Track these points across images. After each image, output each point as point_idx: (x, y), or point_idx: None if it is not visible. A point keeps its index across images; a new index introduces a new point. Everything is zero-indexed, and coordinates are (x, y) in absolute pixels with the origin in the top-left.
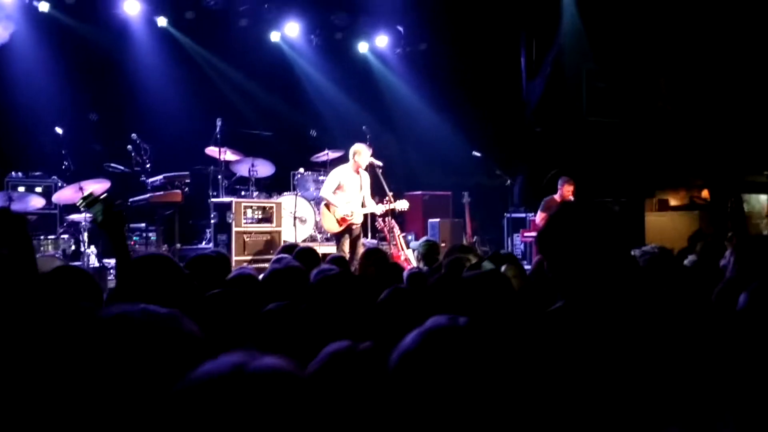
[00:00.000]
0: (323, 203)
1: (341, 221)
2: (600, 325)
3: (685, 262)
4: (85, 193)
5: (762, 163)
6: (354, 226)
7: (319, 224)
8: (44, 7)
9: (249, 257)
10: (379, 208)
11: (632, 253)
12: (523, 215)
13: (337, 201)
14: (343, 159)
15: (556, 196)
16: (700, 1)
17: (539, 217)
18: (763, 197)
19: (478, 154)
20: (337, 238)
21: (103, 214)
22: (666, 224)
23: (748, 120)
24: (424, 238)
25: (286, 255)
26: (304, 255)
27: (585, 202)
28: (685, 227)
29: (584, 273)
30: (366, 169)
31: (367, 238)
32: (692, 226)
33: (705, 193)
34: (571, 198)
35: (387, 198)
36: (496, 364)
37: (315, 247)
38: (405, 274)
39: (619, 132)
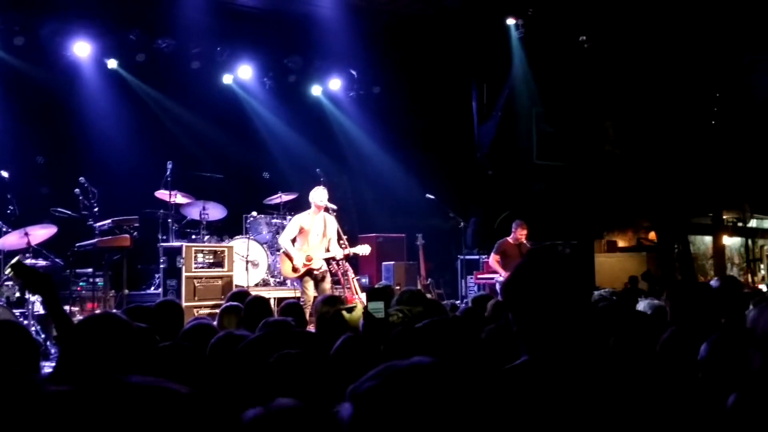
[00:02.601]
0: (282, 251)
1: (298, 268)
2: (566, 386)
3: (639, 306)
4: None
5: (707, 205)
6: (315, 271)
7: (273, 268)
8: None
9: (200, 303)
10: (341, 253)
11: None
12: (477, 257)
13: (293, 250)
14: (297, 201)
15: (510, 239)
16: (644, 48)
17: (492, 259)
18: (708, 239)
19: (431, 197)
20: (301, 282)
21: (18, 275)
22: (614, 265)
23: (693, 163)
24: (378, 284)
25: (237, 303)
26: (255, 306)
27: (551, 253)
28: (634, 268)
29: (551, 325)
30: (326, 211)
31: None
32: (640, 267)
33: (652, 235)
34: (524, 241)
35: (342, 242)
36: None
37: (268, 291)
38: (361, 321)
39: (568, 175)
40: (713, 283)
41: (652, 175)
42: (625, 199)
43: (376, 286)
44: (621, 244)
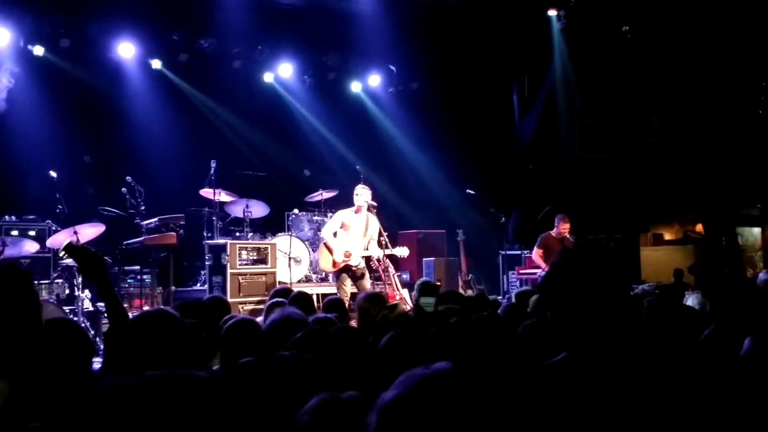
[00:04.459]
0: (323, 242)
1: (337, 262)
2: (606, 380)
3: (687, 301)
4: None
5: (755, 196)
6: (354, 267)
7: (315, 264)
8: (39, 51)
9: (244, 299)
10: (379, 252)
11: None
12: (518, 252)
13: (334, 242)
14: (337, 198)
15: (553, 233)
16: (688, 37)
17: (535, 254)
18: (756, 230)
19: (471, 192)
20: (338, 277)
21: (72, 256)
22: (661, 258)
23: (740, 154)
24: (420, 279)
25: (281, 299)
26: (298, 301)
27: (585, 249)
28: (680, 261)
29: (589, 322)
30: (369, 210)
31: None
32: (687, 260)
33: (699, 227)
34: (567, 235)
35: (382, 239)
36: (485, 411)
37: (311, 288)
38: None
39: (612, 168)
40: (762, 275)
41: (698, 166)
42: (671, 191)
43: (420, 281)
44: (667, 237)
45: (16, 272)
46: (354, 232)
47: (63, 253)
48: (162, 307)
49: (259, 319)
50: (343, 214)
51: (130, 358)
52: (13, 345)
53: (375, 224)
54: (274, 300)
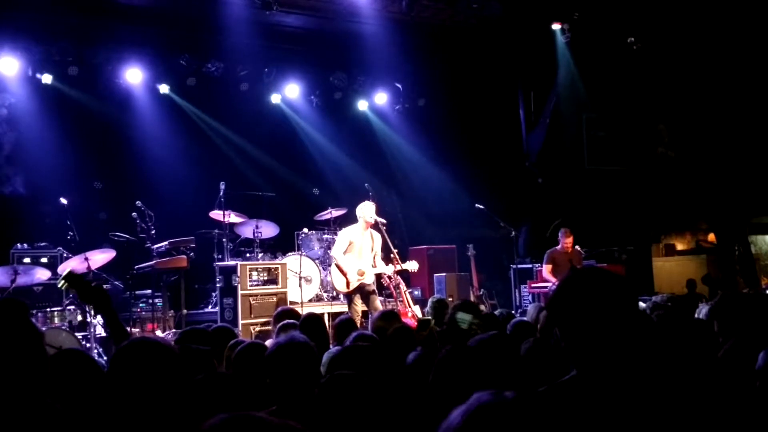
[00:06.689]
0: (334, 263)
1: (351, 282)
2: (617, 399)
3: (701, 312)
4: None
5: (767, 204)
6: (366, 285)
7: (325, 283)
8: (47, 79)
9: (256, 320)
10: (390, 269)
11: (643, 305)
12: (530, 266)
13: (346, 263)
14: (347, 217)
15: (559, 248)
16: (695, 46)
17: (545, 270)
18: None
19: (481, 207)
20: (348, 297)
21: (72, 286)
22: (673, 269)
23: (750, 162)
24: (433, 296)
25: (289, 320)
26: (308, 325)
27: (594, 269)
28: (693, 271)
29: (598, 341)
30: (374, 227)
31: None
32: (700, 270)
33: (711, 237)
34: (577, 248)
35: (393, 256)
36: None
37: (322, 307)
38: None
39: (621, 179)
40: None
41: (709, 175)
42: (682, 202)
43: (433, 298)
44: (679, 247)
45: (11, 305)
46: (364, 250)
47: (63, 283)
48: (146, 335)
49: (269, 341)
50: (348, 233)
51: (120, 386)
52: (15, 377)
53: (378, 240)
54: (284, 322)
